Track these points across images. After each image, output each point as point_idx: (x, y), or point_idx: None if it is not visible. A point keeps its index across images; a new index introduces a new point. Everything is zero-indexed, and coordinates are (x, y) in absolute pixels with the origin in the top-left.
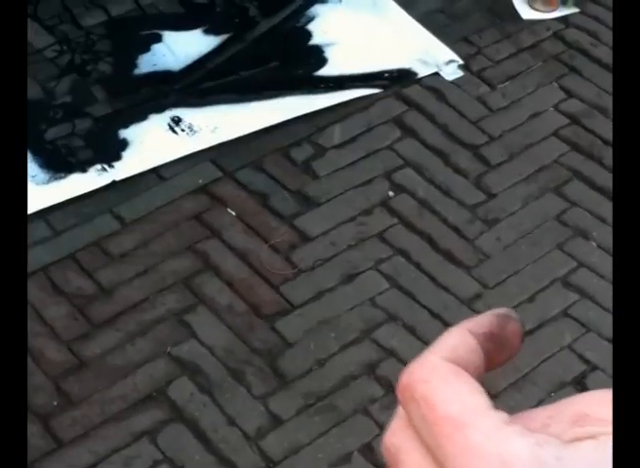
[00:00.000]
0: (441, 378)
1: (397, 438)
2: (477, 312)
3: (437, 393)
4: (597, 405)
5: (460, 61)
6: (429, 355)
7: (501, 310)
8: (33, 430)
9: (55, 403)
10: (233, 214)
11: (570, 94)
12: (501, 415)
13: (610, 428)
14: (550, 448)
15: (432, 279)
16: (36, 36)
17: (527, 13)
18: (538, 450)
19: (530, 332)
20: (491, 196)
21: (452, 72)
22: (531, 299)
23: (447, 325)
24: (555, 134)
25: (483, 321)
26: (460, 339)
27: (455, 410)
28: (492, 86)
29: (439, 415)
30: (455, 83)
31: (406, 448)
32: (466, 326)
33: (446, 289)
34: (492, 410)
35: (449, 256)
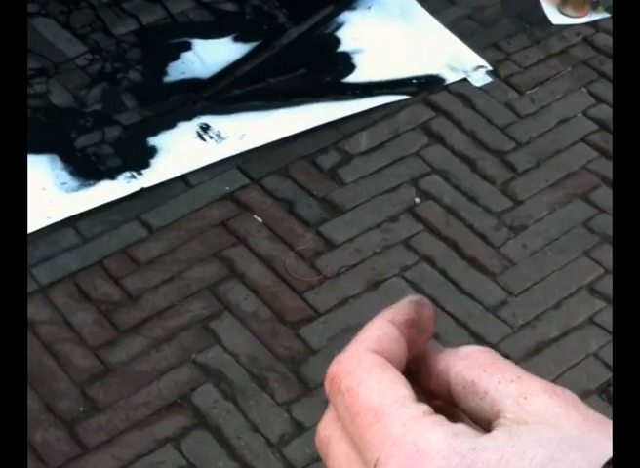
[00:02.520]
0: (365, 370)
1: (328, 429)
2: (502, 320)
3: (361, 384)
4: (548, 394)
5: (489, 67)
6: (355, 347)
7: (415, 297)
8: (59, 435)
9: (80, 409)
10: (259, 220)
11: (599, 99)
12: (422, 407)
13: (538, 419)
14: (466, 438)
15: (457, 286)
16: (68, 45)
17: (557, 18)
18: (453, 441)
19: (555, 340)
20: (517, 203)
21: (480, 78)
22: (557, 307)
23: (472, 332)
24: (584, 140)
25: (402, 309)
26: (383, 330)
27: (376, 401)
28: (520, 92)
29: (361, 406)
30: (483, 89)
31: (335, 438)
32: (387, 316)
33: (471, 296)
34: (412, 402)
35: (474, 263)
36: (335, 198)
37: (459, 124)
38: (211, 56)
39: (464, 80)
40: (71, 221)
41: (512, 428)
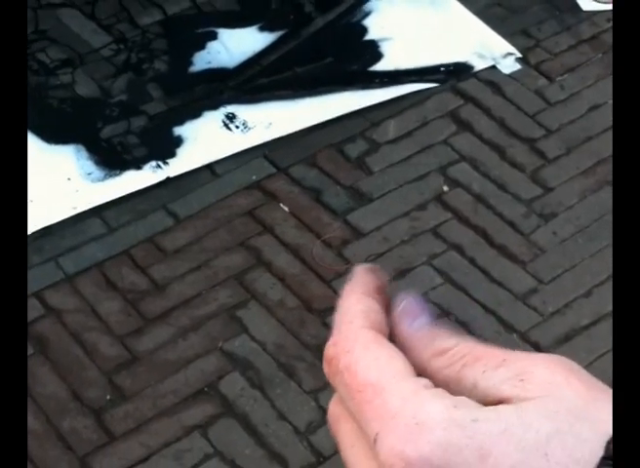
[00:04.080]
0: (362, 347)
1: (337, 408)
2: (532, 308)
3: (358, 361)
4: (544, 366)
5: (519, 54)
6: (348, 326)
7: (363, 265)
8: (86, 423)
9: (107, 397)
10: (286, 209)
11: None
12: (421, 380)
13: (542, 392)
14: (467, 410)
15: (486, 274)
16: (93, 35)
17: (587, 4)
18: (453, 412)
19: (585, 328)
20: (547, 190)
21: (509, 65)
22: (587, 294)
23: (501, 320)
24: None
25: (365, 279)
26: (364, 304)
27: (374, 377)
28: (550, 79)
29: (360, 383)
30: (512, 76)
31: (343, 417)
32: (358, 290)
33: (500, 284)
34: (411, 376)
35: (504, 251)
36: (362, 187)
37: (487, 111)
38: (237, 45)
39: (493, 67)
40: (97, 211)
41: (518, 404)
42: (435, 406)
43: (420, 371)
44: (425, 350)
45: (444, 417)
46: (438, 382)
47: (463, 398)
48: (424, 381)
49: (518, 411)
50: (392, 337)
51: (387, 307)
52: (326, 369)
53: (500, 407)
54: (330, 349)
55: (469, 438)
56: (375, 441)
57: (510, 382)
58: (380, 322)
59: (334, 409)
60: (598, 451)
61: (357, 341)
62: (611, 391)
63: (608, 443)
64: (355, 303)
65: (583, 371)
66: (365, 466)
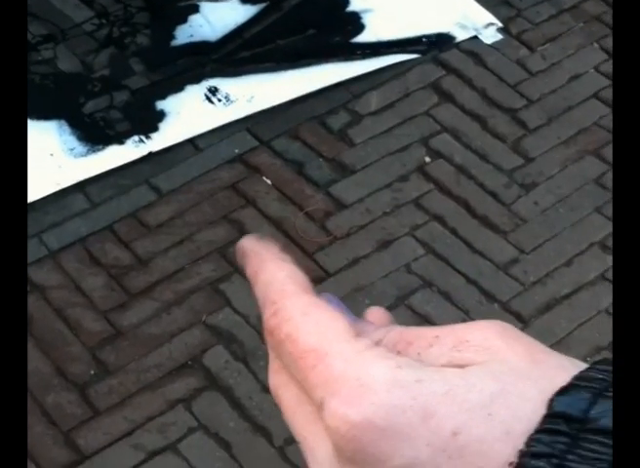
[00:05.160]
0: (301, 313)
1: (275, 378)
2: (514, 278)
3: (299, 327)
4: (479, 332)
5: (500, 24)
6: (282, 294)
7: (248, 236)
8: (70, 399)
9: (92, 372)
10: (269, 182)
11: (611, 55)
12: (363, 340)
13: (482, 358)
14: (411, 370)
15: (468, 245)
16: (75, 10)
17: None
18: (397, 373)
19: (567, 297)
20: (529, 160)
21: (491, 35)
22: (568, 263)
23: (483, 291)
24: (595, 95)
25: (265, 246)
26: (287, 270)
27: (315, 341)
28: (531, 49)
29: (302, 349)
30: (494, 46)
31: (282, 384)
32: (272, 256)
33: (482, 254)
34: (352, 337)
35: (485, 222)
36: (344, 159)
37: (469, 82)
38: (219, 18)
39: (475, 38)
40: (80, 186)
41: (463, 369)
42: (379, 367)
43: None
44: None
45: (387, 378)
46: None
47: (407, 358)
48: (367, 341)
49: (462, 373)
50: None
51: None
52: (268, 340)
53: (444, 368)
54: (270, 320)
55: (413, 399)
56: (321, 405)
57: (447, 356)
58: (306, 282)
59: (272, 380)
60: (541, 409)
61: (295, 308)
62: (553, 351)
63: (550, 400)
64: (277, 270)
65: (520, 333)
66: (309, 431)
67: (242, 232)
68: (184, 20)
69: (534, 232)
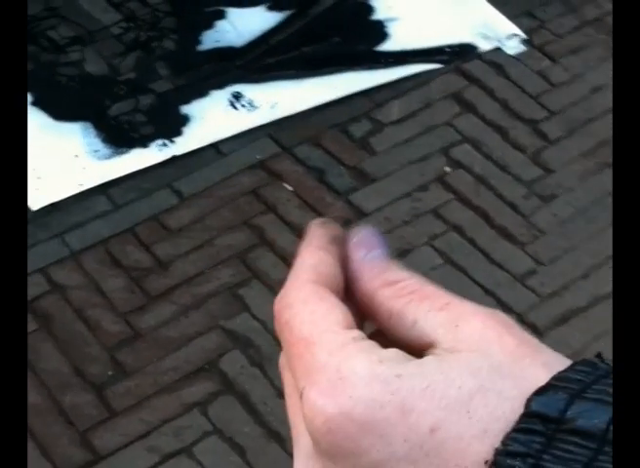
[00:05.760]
0: (302, 301)
1: (281, 360)
2: (530, 289)
3: (297, 316)
4: (479, 318)
5: (523, 36)
6: (294, 280)
7: (318, 220)
8: (87, 399)
9: (109, 373)
10: (290, 189)
11: None
12: (351, 333)
13: (470, 346)
14: (392, 364)
15: (486, 255)
16: (103, 13)
17: None
18: (377, 367)
19: (583, 309)
20: (548, 172)
21: (514, 46)
22: (585, 276)
23: (500, 301)
24: None
25: (319, 233)
26: (316, 258)
27: (307, 331)
28: (554, 60)
29: (295, 337)
30: (516, 57)
31: (284, 369)
32: (312, 243)
33: (500, 265)
34: (343, 328)
35: (504, 232)
36: (365, 167)
37: (491, 93)
38: (245, 24)
39: (498, 48)
40: (103, 188)
41: (444, 357)
42: (360, 360)
43: (367, 301)
44: (375, 279)
45: (367, 372)
46: (381, 313)
47: (392, 351)
48: (355, 333)
49: (442, 367)
50: (350, 282)
51: (342, 259)
52: (275, 324)
53: (425, 361)
54: (276, 304)
55: (392, 394)
56: (301, 395)
57: (446, 326)
58: (328, 274)
59: (281, 360)
60: (519, 408)
61: (298, 296)
62: (543, 347)
63: (528, 400)
64: (307, 258)
65: (518, 329)
66: (295, 419)
67: (262, 238)
68: (211, 26)
69: (552, 244)
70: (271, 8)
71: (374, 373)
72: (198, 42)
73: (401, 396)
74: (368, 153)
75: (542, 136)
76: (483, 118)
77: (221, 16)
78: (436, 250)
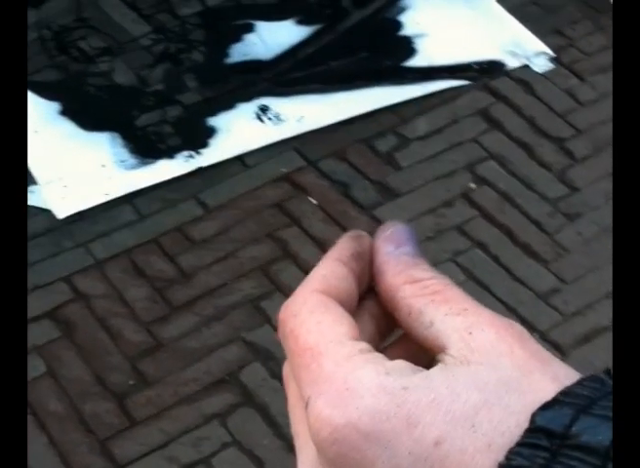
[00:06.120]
0: (308, 311)
1: (285, 369)
2: (553, 308)
3: (302, 325)
4: (494, 329)
5: (552, 54)
6: (301, 289)
7: (353, 231)
8: (108, 408)
9: (131, 382)
10: (314, 202)
11: None
12: (358, 344)
13: (480, 357)
14: (398, 377)
15: (510, 272)
16: (133, 25)
17: None
18: (384, 379)
19: (606, 328)
20: (574, 190)
21: (542, 64)
22: (609, 295)
23: (522, 319)
24: None
25: (345, 245)
26: (329, 269)
27: (313, 341)
28: (582, 78)
29: (300, 347)
30: (544, 75)
31: (289, 378)
32: (332, 255)
33: (523, 282)
34: (349, 340)
35: (528, 250)
36: (390, 182)
37: (518, 110)
38: (273, 38)
39: (526, 66)
40: (129, 198)
41: (452, 368)
42: (367, 372)
43: (390, 296)
44: (400, 275)
45: (374, 384)
46: (401, 309)
47: (399, 363)
48: (362, 345)
49: (449, 380)
50: (375, 275)
51: (365, 274)
52: (278, 332)
53: (431, 373)
54: (280, 313)
55: (398, 406)
56: (306, 404)
57: (460, 332)
58: (338, 287)
59: (284, 370)
60: (524, 423)
61: (304, 305)
62: (554, 361)
63: (533, 414)
64: (320, 268)
65: (532, 341)
66: (300, 428)
67: (285, 251)
68: (239, 39)
69: (575, 262)
70: (300, 22)
71: (380, 385)
72: (226, 55)
73: (407, 408)
74: (393, 168)
75: (569, 154)
76: (509, 135)
77: (250, 29)
78: (459, 266)
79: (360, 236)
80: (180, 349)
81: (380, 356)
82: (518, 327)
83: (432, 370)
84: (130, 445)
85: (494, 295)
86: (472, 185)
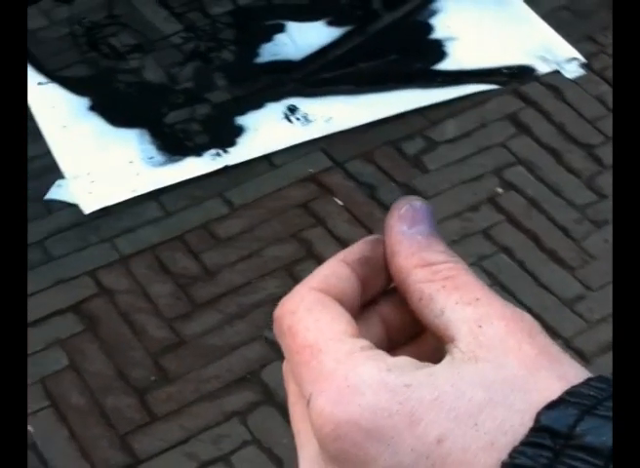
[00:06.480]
0: (306, 308)
1: (285, 367)
2: (578, 315)
3: (300, 322)
4: (504, 323)
5: (583, 60)
6: (299, 287)
7: (371, 236)
8: (129, 402)
9: (152, 378)
10: (340, 203)
11: None
12: (359, 342)
13: (488, 353)
14: (401, 374)
15: (535, 278)
16: (165, 23)
17: None
18: (386, 376)
19: None
20: (602, 197)
21: (573, 70)
22: None
23: (546, 325)
24: None
25: (355, 248)
26: (331, 269)
27: (312, 338)
28: (612, 85)
29: (299, 344)
30: (575, 81)
31: (288, 376)
32: (340, 256)
33: (548, 289)
34: (349, 337)
35: (554, 256)
36: (417, 184)
37: (547, 115)
38: (303, 38)
39: (556, 72)
40: (155, 195)
41: (458, 365)
42: (368, 368)
43: (401, 279)
44: (412, 257)
45: (376, 381)
46: (412, 293)
47: (402, 360)
48: (363, 343)
49: (454, 378)
50: (388, 256)
51: (378, 278)
52: (274, 329)
53: (436, 370)
54: (277, 309)
55: (400, 403)
56: (308, 402)
57: (470, 324)
58: (339, 287)
59: (284, 367)
60: (529, 422)
61: (302, 302)
62: (563, 358)
63: (538, 414)
64: (324, 268)
65: (542, 336)
66: (301, 426)
67: (309, 251)
68: (270, 39)
69: (602, 270)
70: (331, 23)
71: (382, 382)
72: (256, 54)
73: (409, 405)
74: (420, 171)
75: (597, 160)
76: (538, 140)
77: (281, 29)
78: (484, 270)
79: (377, 241)
80: (203, 346)
81: (380, 353)
82: (529, 320)
83: (438, 366)
84: (150, 440)
85: (518, 301)
86: (499, 190)
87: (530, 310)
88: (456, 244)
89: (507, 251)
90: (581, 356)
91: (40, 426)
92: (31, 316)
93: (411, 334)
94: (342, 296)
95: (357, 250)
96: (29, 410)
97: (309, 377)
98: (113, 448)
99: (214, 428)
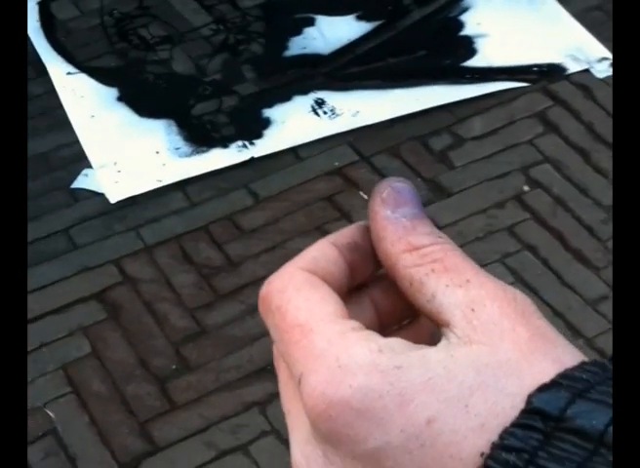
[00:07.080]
0: (295, 288)
1: (275, 349)
2: (602, 315)
3: (289, 302)
4: (497, 304)
5: None
6: (287, 266)
7: (362, 222)
8: (150, 390)
9: (173, 366)
10: (365, 197)
11: None
12: (350, 322)
13: (482, 336)
14: (392, 355)
15: (559, 277)
16: (194, 15)
17: None
18: (377, 357)
19: None
20: None
21: (603, 70)
22: None
23: (569, 325)
24: None
25: (346, 232)
26: (321, 251)
27: (302, 318)
28: None
29: (288, 323)
30: (605, 81)
31: (278, 357)
32: (330, 238)
33: (572, 288)
34: (340, 318)
35: (578, 256)
36: (442, 181)
37: (576, 114)
38: (333, 32)
39: (587, 71)
40: (181, 185)
41: (453, 348)
42: (360, 349)
43: (390, 265)
44: (399, 242)
45: (367, 362)
46: (402, 278)
47: (392, 341)
48: (354, 323)
49: (447, 361)
50: (374, 242)
51: (367, 262)
52: (260, 308)
53: (429, 352)
54: (264, 288)
55: (390, 384)
56: (299, 381)
57: (462, 308)
58: (328, 270)
59: (274, 349)
60: (520, 405)
61: (290, 281)
62: (558, 340)
63: (529, 396)
64: (313, 249)
65: (536, 316)
66: (292, 405)
67: None
68: (299, 32)
69: None
70: (360, 18)
71: (373, 363)
72: (285, 47)
73: (400, 387)
74: (446, 167)
75: None
76: (566, 139)
77: (311, 23)
78: (508, 268)
79: (367, 226)
80: (224, 336)
81: (372, 333)
82: (522, 299)
83: (432, 348)
84: (169, 428)
85: (541, 299)
86: (525, 188)
87: (553, 308)
88: (480, 240)
89: (532, 249)
90: (603, 356)
91: (61, 412)
92: (55, 303)
93: (404, 318)
94: (330, 278)
95: (348, 233)
96: (51, 397)
97: (300, 357)
98: (133, 434)
99: (233, 418)
